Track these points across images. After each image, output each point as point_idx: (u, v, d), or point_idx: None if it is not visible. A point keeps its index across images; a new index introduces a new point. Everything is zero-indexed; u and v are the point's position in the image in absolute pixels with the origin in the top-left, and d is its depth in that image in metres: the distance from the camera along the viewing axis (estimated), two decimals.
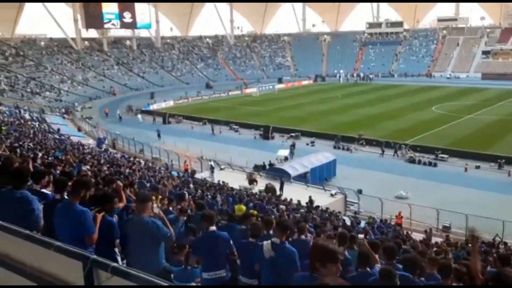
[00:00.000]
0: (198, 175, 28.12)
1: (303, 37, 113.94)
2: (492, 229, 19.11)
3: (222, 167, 31.02)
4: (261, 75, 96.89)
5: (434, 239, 17.82)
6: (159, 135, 42.14)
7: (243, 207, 11.90)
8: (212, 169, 29.55)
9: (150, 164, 28.26)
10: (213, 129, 45.13)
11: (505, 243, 17.29)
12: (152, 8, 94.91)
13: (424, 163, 32.33)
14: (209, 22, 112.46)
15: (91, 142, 37.40)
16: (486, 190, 26.09)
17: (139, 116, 52.43)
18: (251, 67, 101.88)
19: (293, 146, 36.20)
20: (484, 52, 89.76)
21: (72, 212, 4.48)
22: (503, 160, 30.17)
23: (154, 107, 60.16)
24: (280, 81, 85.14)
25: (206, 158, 32.38)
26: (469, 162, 31.04)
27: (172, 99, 65.16)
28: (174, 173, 26.37)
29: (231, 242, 5.77)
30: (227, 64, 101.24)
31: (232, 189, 22.42)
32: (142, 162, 29.52)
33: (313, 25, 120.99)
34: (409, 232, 19.08)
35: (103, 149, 32.29)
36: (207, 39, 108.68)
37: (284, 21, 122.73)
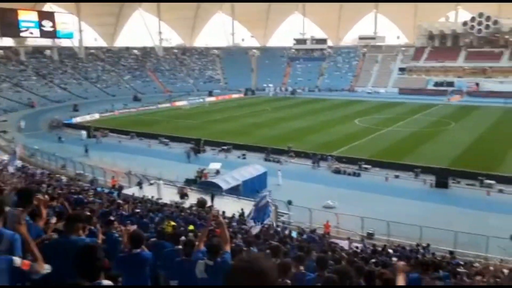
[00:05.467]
0: (126, 191, 27.10)
1: (233, 51, 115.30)
2: (413, 234, 20.41)
3: (152, 181, 30.18)
4: (191, 87, 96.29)
5: (359, 246, 18.65)
6: (86, 150, 40.10)
7: (172, 223, 11.64)
8: (140, 184, 28.65)
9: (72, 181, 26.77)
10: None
11: (425, 247, 18.55)
12: (75, 17, 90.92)
13: (349, 174, 33.86)
14: (136, 33, 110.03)
15: (6, 158, 34.62)
16: (405, 198, 27.89)
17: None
18: (180, 80, 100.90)
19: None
20: (400, 69, 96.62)
21: None
22: (419, 170, 32.44)
23: (77, 120, 57.30)
24: (210, 94, 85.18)
25: (134, 173, 31.32)
26: (389, 172, 33.02)
27: (97, 112, 62.47)
28: (99, 189, 25.16)
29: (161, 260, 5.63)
30: (155, 76, 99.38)
31: (163, 204, 21.86)
32: (64, 178, 27.94)
33: (243, 40, 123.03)
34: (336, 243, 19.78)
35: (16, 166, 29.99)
36: (135, 51, 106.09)
37: (213, 34, 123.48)
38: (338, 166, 34.86)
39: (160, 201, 24.06)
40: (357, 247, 18.02)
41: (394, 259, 14.09)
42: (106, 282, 3.48)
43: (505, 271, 15.12)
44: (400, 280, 4.71)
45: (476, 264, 16.04)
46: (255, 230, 17.31)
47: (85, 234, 5.63)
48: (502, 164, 33.95)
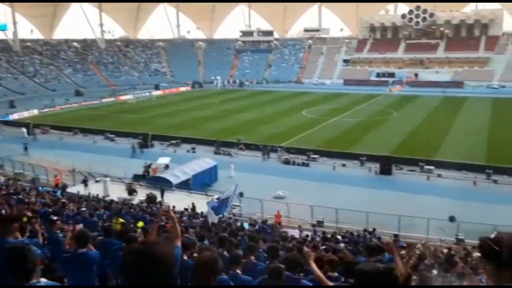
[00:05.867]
0: (70, 189, 26.06)
1: (179, 44, 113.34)
2: (360, 220, 21.17)
3: (98, 179, 29.18)
4: (136, 81, 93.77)
5: (309, 233, 19.09)
6: (26, 148, 38.01)
7: (121, 220, 11.39)
8: (85, 182, 27.64)
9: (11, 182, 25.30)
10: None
11: (371, 232, 19.30)
12: (7, 8, 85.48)
13: (298, 164, 34.48)
14: (76, 25, 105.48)
15: None
16: (352, 186, 28.85)
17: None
18: (125, 73, 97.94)
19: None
20: (344, 61, 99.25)
21: None
22: (365, 158, 33.64)
23: (14, 116, 54.12)
24: (157, 87, 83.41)
25: (78, 171, 30.13)
26: (337, 161, 33.97)
27: (37, 107, 59.31)
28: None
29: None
30: (98, 70, 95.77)
31: (111, 201, 21.22)
32: (2, 178, 26.39)
33: (188, 32, 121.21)
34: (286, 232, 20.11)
35: None
36: (75, 43, 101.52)
37: (158, 26, 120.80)
38: (288, 157, 35.38)
39: (107, 198, 23.37)
40: (307, 235, 18.43)
41: (342, 244, 14.56)
42: (44, 281, 3.35)
43: (445, 251, 16.07)
44: (313, 266, 4.77)
45: (418, 246, 16.90)
46: (213, 219, 17.42)
47: (26, 235, 5.35)
48: (439, 150, 35.92)
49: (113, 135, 43.67)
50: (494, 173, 29.43)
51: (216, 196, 22.07)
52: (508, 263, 2.20)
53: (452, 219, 21.28)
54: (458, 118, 49.77)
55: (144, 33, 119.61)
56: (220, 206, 19.50)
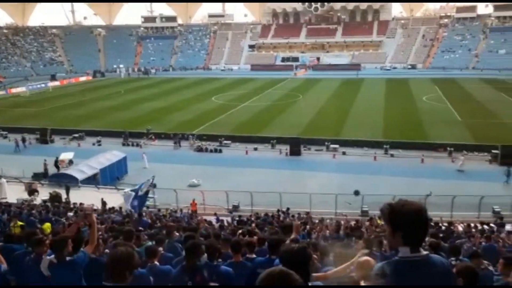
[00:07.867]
0: None
1: (75, 31, 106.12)
2: (274, 201, 21.76)
3: None
4: (28, 72, 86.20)
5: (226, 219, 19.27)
6: None
7: (20, 223, 10.59)
8: None
9: None
10: None
11: (285, 211, 19.99)
12: None
13: (211, 151, 34.43)
14: None
15: None
16: (265, 168, 29.54)
17: None
18: (15, 64, 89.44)
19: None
20: (250, 46, 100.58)
21: None
22: (275, 140, 34.59)
23: None
24: (53, 78, 77.51)
25: None
26: (248, 145, 34.50)
27: None
28: None
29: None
30: None
31: (8, 204, 19.37)
32: None
33: (85, 18, 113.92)
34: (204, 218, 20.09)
35: None
36: None
37: (50, 12, 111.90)
38: (200, 144, 35.12)
39: (4, 200, 21.34)
40: (222, 220, 18.56)
41: (253, 224, 14.98)
42: None
43: (352, 223, 17.21)
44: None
45: (327, 221, 17.91)
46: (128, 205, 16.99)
47: None
48: (343, 129, 38.17)
49: (5, 132, 39.82)
50: (390, 148, 32.03)
51: (130, 189, 21.29)
52: (399, 226, 2.43)
53: (356, 193, 22.82)
54: (357, 99, 53.16)
55: (35, 19, 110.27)
56: (140, 202, 19.31)
